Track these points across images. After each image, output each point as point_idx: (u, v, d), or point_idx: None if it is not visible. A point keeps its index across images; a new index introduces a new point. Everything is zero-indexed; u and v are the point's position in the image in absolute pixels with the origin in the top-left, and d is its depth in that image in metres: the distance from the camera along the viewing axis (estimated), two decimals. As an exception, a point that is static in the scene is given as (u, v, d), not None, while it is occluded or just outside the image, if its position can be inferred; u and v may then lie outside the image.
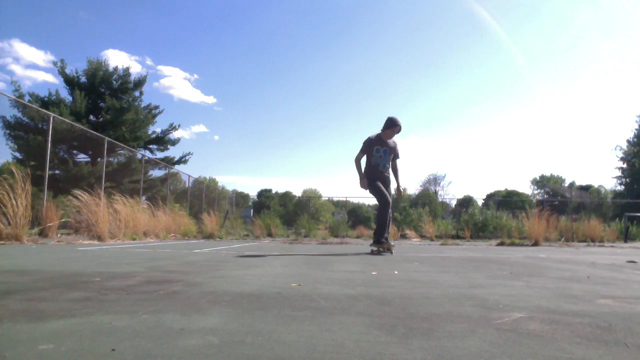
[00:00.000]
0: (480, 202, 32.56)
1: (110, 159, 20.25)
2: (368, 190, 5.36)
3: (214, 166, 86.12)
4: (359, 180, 5.34)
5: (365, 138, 5.42)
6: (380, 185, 5.29)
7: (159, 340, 1.10)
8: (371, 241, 5.50)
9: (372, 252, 5.21)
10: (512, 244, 10.12)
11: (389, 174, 5.54)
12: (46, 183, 8.51)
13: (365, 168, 5.44)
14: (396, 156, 5.58)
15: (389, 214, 5.31)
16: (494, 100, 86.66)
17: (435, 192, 59.34)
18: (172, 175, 20.51)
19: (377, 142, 5.38)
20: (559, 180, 60.65)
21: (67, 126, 15.37)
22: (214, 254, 4.89)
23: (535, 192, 60.61)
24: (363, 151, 5.41)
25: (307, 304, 1.66)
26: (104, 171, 12.76)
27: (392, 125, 5.37)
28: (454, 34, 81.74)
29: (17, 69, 55.98)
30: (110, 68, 24.12)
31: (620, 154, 43.43)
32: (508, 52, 72.52)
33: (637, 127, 42.50)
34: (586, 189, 49.99)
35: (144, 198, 13.83)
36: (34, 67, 67.29)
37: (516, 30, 75.97)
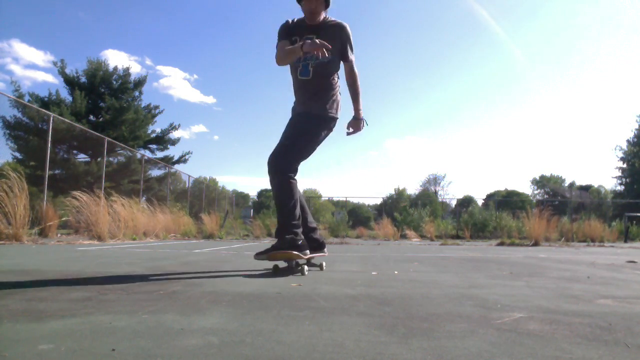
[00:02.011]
0: (480, 202, 32.55)
1: (110, 158, 20.25)
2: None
3: (214, 166, 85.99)
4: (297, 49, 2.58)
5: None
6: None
7: (159, 340, 1.10)
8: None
9: (275, 271, 2.81)
10: (512, 244, 10.12)
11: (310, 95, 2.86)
12: (46, 183, 8.51)
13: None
14: (345, 54, 2.83)
15: (298, 200, 2.80)
16: (494, 100, 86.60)
17: (435, 192, 59.29)
18: (172, 175, 20.53)
19: (294, 28, 2.81)
20: (559, 180, 60.65)
21: (67, 126, 15.38)
22: (214, 254, 4.89)
23: (535, 192, 60.64)
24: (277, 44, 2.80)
25: (307, 303, 1.66)
26: (104, 171, 12.78)
27: None
28: (454, 34, 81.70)
29: (16, 69, 55.83)
30: (110, 68, 24.16)
31: (620, 154, 43.50)
32: (508, 52, 72.56)
33: (637, 127, 42.55)
34: (586, 189, 50.01)
35: (143, 198, 13.83)
36: (34, 67, 67.12)
37: (516, 30, 75.99)
